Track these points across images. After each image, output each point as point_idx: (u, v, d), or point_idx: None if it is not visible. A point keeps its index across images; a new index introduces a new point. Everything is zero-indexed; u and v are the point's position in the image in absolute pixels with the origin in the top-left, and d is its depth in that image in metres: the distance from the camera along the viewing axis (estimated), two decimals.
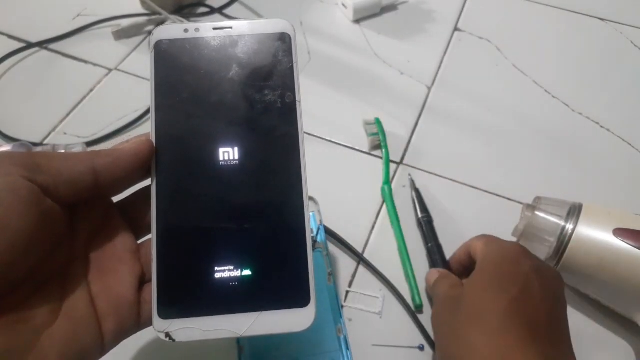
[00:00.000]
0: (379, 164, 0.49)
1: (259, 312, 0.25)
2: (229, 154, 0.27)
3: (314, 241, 0.41)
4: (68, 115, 0.53)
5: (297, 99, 0.27)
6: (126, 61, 0.58)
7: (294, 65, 0.28)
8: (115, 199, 0.28)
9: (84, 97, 0.54)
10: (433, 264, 0.42)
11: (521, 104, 0.54)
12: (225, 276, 0.25)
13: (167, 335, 0.24)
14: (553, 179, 0.48)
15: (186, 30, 0.28)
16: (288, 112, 0.27)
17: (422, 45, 0.60)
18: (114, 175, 0.25)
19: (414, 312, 0.40)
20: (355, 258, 0.43)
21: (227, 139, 0.27)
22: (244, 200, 0.26)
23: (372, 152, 0.50)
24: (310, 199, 0.42)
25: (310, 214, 0.42)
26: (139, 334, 0.26)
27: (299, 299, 0.25)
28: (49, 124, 0.52)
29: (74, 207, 0.25)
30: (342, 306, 0.40)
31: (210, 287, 0.25)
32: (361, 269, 0.43)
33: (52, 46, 0.59)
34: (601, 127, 0.53)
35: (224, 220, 0.26)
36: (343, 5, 0.62)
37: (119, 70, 0.57)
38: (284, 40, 0.28)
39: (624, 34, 0.61)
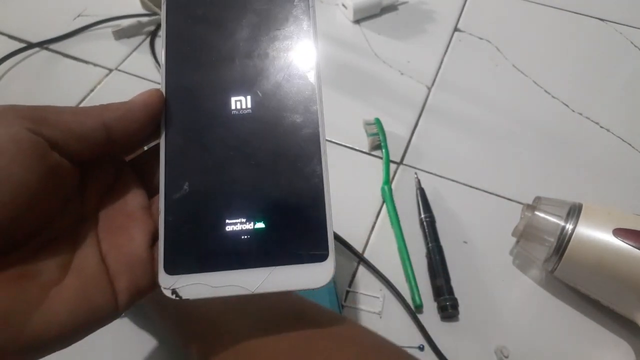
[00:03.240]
0: (379, 164, 0.49)
1: (273, 267, 0.23)
2: (241, 102, 0.25)
3: None
4: None
5: (314, 43, 0.26)
6: (126, 61, 0.58)
7: (310, 9, 0.26)
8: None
9: (85, 97, 0.54)
10: (433, 264, 0.42)
11: (521, 104, 0.54)
12: (237, 229, 0.23)
13: (174, 292, 0.23)
14: (553, 179, 0.48)
15: None
16: (304, 55, 0.26)
17: (422, 46, 0.60)
18: (125, 129, 0.24)
19: (414, 312, 0.40)
20: (355, 258, 0.43)
21: (240, 87, 0.25)
22: (257, 151, 0.25)
23: (372, 152, 0.50)
24: None
25: None
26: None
27: (317, 253, 0.23)
28: None
29: (85, 166, 0.24)
30: (343, 306, 0.40)
31: (220, 241, 0.23)
32: (361, 269, 0.43)
33: (53, 46, 0.59)
34: (601, 127, 0.53)
35: (236, 171, 0.24)
36: (343, 5, 0.62)
37: (119, 70, 0.57)
38: None
39: (623, 34, 0.61)
